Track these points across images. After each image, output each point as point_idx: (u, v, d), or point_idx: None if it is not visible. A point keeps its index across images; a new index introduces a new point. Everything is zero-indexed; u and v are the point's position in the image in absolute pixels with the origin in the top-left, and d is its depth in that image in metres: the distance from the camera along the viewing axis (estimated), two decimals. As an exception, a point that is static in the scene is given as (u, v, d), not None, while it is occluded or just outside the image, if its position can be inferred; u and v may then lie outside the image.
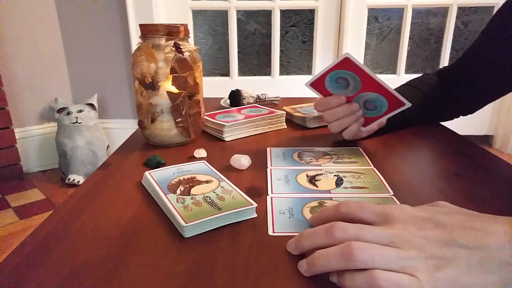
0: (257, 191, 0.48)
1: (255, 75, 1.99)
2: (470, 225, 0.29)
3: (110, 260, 0.35)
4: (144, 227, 0.40)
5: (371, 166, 0.56)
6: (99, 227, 0.40)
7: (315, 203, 0.44)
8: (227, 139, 0.69)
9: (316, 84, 0.62)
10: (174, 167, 0.52)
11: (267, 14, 1.88)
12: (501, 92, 0.70)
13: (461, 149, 0.63)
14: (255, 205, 0.42)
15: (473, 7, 1.88)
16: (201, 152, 0.60)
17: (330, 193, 0.47)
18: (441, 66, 1.57)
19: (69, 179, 1.65)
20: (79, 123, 1.65)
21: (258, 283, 0.31)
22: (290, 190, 0.48)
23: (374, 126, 0.65)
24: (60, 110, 1.70)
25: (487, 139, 2.08)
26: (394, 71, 1.97)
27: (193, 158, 0.59)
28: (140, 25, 0.62)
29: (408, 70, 1.96)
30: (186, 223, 0.38)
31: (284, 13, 1.88)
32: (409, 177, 0.52)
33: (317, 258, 0.31)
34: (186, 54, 0.62)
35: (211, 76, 1.98)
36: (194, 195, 0.44)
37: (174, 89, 0.62)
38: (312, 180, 0.51)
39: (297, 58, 1.96)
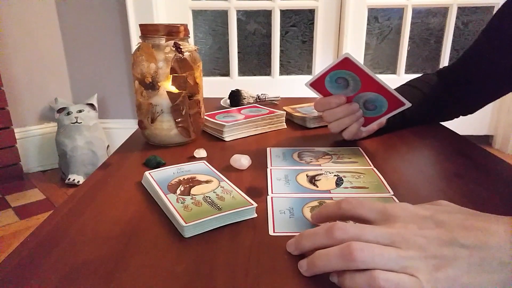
0: (257, 191, 0.48)
1: (255, 75, 1.99)
2: (471, 225, 0.29)
3: (110, 260, 0.35)
4: (144, 227, 0.40)
5: (371, 166, 0.56)
6: (99, 227, 0.40)
7: (315, 203, 0.44)
8: (227, 139, 0.69)
9: (316, 84, 0.62)
10: (174, 167, 0.52)
11: (267, 14, 1.88)
12: (501, 92, 0.70)
13: (461, 149, 0.63)
14: (255, 205, 0.42)
15: (473, 7, 1.88)
16: (201, 152, 0.60)
17: (330, 193, 0.47)
18: (441, 66, 1.57)
19: (69, 179, 1.65)
20: (79, 123, 1.65)
21: (258, 283, 0.31)
22: (290, 190, 0.48)
23: (374, 126, 0.65)
24: (60, 110, 1.70)
25: (487, 139, 2.08)
26: (394, 71, 1.97)
27: (193, 158, 0.59)
28: (140, 25, 0.62)
29: (408, 70, 1.96)
30: (186, 223, 0.38)
31: (284, 13, 1.88)
32: (409, 177, 0.52)
33: (317, 258, 0.31)
34: (186, 54, 0.62)
35: (211, 76, 1.98)
36: (194, 195, 0.44)
37: (174, 89, 0.62)
38: (312, 180, 0.51)
39: (297, 58, 1.96)
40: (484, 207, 0.43)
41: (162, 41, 0.61)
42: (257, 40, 1.93)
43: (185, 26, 0.63)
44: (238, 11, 1.87)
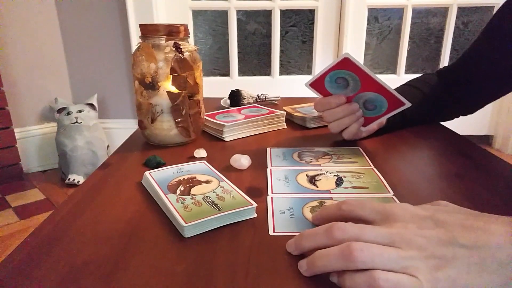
0: (257, 191, 0.48)
1: (255, 75, 1.99)
2: (471, 225, 0.29)
3: (110, 260, 0.35)
4: (144, 227, 0.40)
5: (371, 166, 0.56)
6: (99, 227, 0.40)
7: (315, 203, 0.44)
8: (227, 139, 0.69)
9: (315, 84, 0.62)
10: (174, 167, 0.52)
11: (267, 14, 1.88)
12: (501, 92, 0.70)
13: (461, 149, 0.63)
14: (255, 205, 0.42)
15: (473, 7, 1.88)
16: (201, 152, 0.60)
17: (330, 193, 0.47)
18: (441, 66, 1.57)
19: (69, 179, 1.65)
20: (79, 123, 1.65)
21: (258, 283, 0.31)
22: (290, 190, 0.48)
23: (374, 126, 0.65)
24: (60, 110, 1.70)
25: (487, 139, 2.08)
26: (394, 71, 1.97)
27: (193, 158, 0.59)
28: (140, 25, 0.62)
29: (408, 70, 1.96)
30: (186, 223, 0.38)
31: (284, 13, 1.88)
32: (409, 177, 0.52)
33: (317, 258, 0.31)
34: (186, 54, 0.62)
35: (211, 76, 1.98)
36: (194, 195, 0.44)
37: (174, 89, 0.62)
38: (312, 180, 0.51)
39: (297, 58, 1.96)
40: (484, 207, 0.43)
41: (162, 41, 0.61)
42: (257, 40, 1.93)
43: (185, 26, 0.63)
44: (238, 11, 1.87)
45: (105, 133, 1.81)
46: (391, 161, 0.58)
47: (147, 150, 0.64)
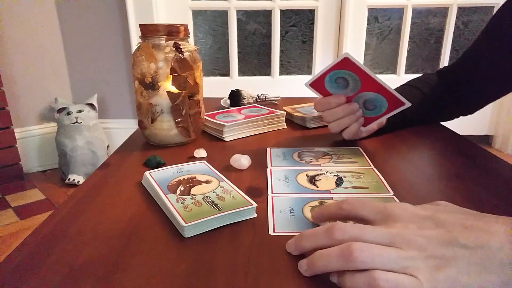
0: (257, 191, 0.48)
1: (255, 75, 1.99)
2: (471, 225, 0.29)
3: (110, 260, 0.35)
4: (144, 227, 0.40)
5: (371, 166, 0.56)
6: (99, 227, 0.40)
7: (315, 203, 0.44)
8: (227, 139, 0.69)
9: (315, 84, 0.62)
10: (174, 167, 0.52)
11: (267, 14, 1.88)
12: (501, 92, 0.70)
13: (461, 149, 0.63)
14: (255, 205, 0.42)
15: (473, 7, 1.88)
16: (201, 152, 0.60)
17: (330, 193, 0.47)
18: (441, 66, 1.57)
19: (69, 179, 1.65)
20: (79, 123, 1.65)
21: (258, 283, 0.31)
22: (290, 190, 0.48)
23: (374, 126, 0.65)
24: (60, 110, 1.70)
25: (487, 139, 2.08)
26: (394, 71, 1.97)
27: (193, 158, 0.59)
28: (140, 25, 0.62)
29: (408, 70, 1.96)
30: (186, 223, 0.38)
31: (284, 13, 1.88)
32: (409, 177, 0.52)
33: (317, 258, 0.31)
34: (186, 54, 0.62)
35: (211, 76, 1.98)
36: (194, 195, 0.44)
37: (174, 89, 0.62)
38: (312, 180, 0.51)
39: (297, 58, 1.96)
40: (484, 207, 0.43)
41: (162, 41, 0.61)
42: (257, 40, 1.93)
43: (185, 26, 0.63)
44: (238, 11, 1.87)
45: (105, 133, 1.81)
46: (391, 161, 0.58)
47: (147, 150, 0.64)
